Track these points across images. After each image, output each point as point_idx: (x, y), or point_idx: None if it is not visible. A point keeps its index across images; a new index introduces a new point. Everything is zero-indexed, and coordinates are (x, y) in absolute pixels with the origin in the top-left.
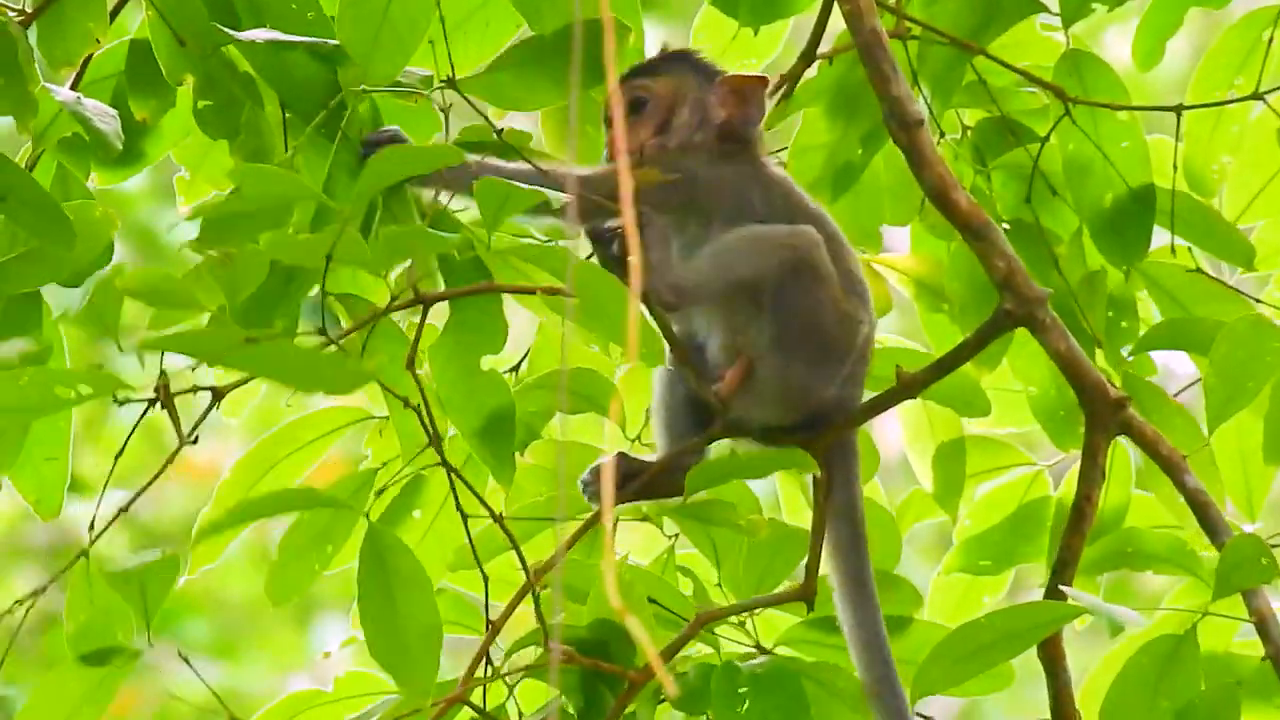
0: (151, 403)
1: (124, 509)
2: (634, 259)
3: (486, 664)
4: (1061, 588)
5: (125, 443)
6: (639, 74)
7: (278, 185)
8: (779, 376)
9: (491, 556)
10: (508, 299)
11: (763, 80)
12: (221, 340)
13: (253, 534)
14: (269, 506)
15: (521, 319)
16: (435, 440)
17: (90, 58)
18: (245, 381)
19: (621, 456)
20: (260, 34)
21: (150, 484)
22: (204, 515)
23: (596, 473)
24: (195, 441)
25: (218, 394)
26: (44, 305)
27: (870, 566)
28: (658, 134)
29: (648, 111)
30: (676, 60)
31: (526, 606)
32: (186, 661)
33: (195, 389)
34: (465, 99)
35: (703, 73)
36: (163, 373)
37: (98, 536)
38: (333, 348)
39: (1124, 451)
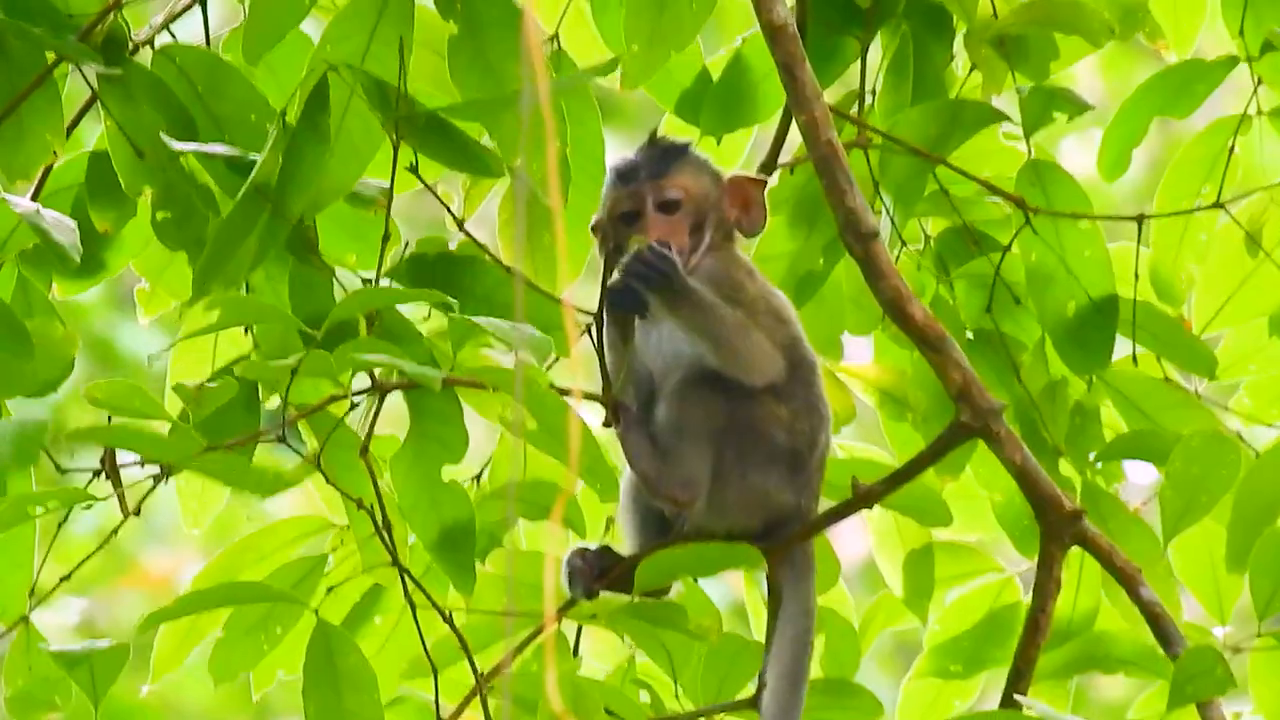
0: (96, 474)
1: (66, 577)
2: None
3: None
4: (1017, 697)
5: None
6: (666, 171)
7: (252, 313)
8: (737, 487)
9: (449, 663)
10: (468, 409)
11: (764, 182)
12: (170, 444)
13: (211, 644)
14: (215, 598)
15: (482, 429)
16: (386, 536)
17: (50, 169)
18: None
19: (603, 551)
20: (214, 148)
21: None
22: (163, 628)
23: (580, 556)
24: (138, 513)
25: (165, 470)
26: (6, 413)
27: (808, 671)
28: (692, 234)
29: (682, 213)
30: (687, 155)
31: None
32: None
33: (143, 464)
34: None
35: (711, 173)
36: (110, 450)
37: (38, 603)
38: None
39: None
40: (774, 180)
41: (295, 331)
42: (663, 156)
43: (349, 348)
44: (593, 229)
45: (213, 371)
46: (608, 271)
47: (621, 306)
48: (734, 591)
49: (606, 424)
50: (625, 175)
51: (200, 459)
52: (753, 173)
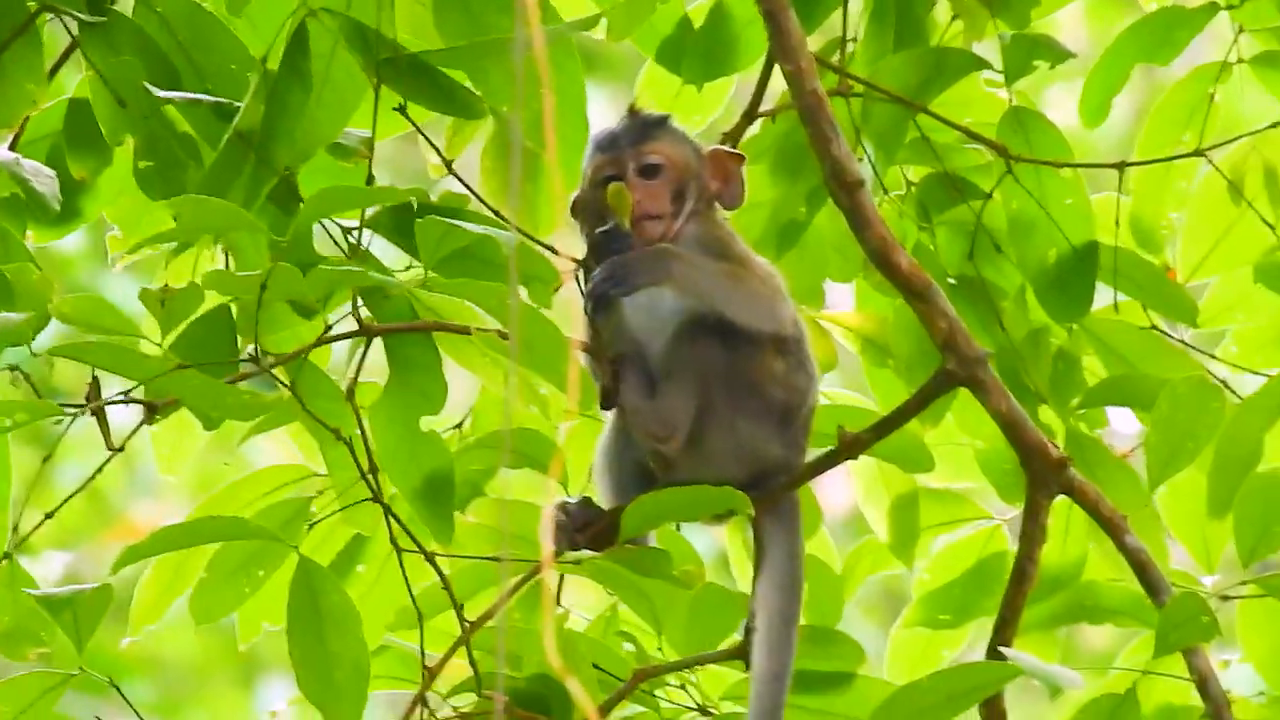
0: (80, 409)
1: (50, 514)
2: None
3: (424, 711)
4: (1001, 648)
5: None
6: (647, 138)
7: (217, 216)
8: (727, 435)
9: (435, 612)
10: (448, 360)
11: (742, 157)
12: (149, 362)
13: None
14: (195, 534)
15: (463, 380)
16: (370, 478)
17: (29, 117)
18: (176, 401)
19: (585, 502)
20: (198, 96)
21: (86, 485)
22: (143, 579)
23: (562, 509)
24: (122, 449)
25: (150, 409)
26: None
27: (796, 616)
28: (674, 200)
29: (662, 178)
30: (667, 129)
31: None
32: (136, 713)
33: (126, 397)
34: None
35: (691, 145)
36: (94, 377)
37: (21, 541)
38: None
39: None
40: (755, 129)
41: (280, 263)
42: (643, 126)
43: (320, 267)
44: (572, 208)
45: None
46: (590, 255)
47: (603, 308)
48: (717, 543)
49: (605, 405)
50: (605, 145)
51: (180, 381)
52: (731, 148)
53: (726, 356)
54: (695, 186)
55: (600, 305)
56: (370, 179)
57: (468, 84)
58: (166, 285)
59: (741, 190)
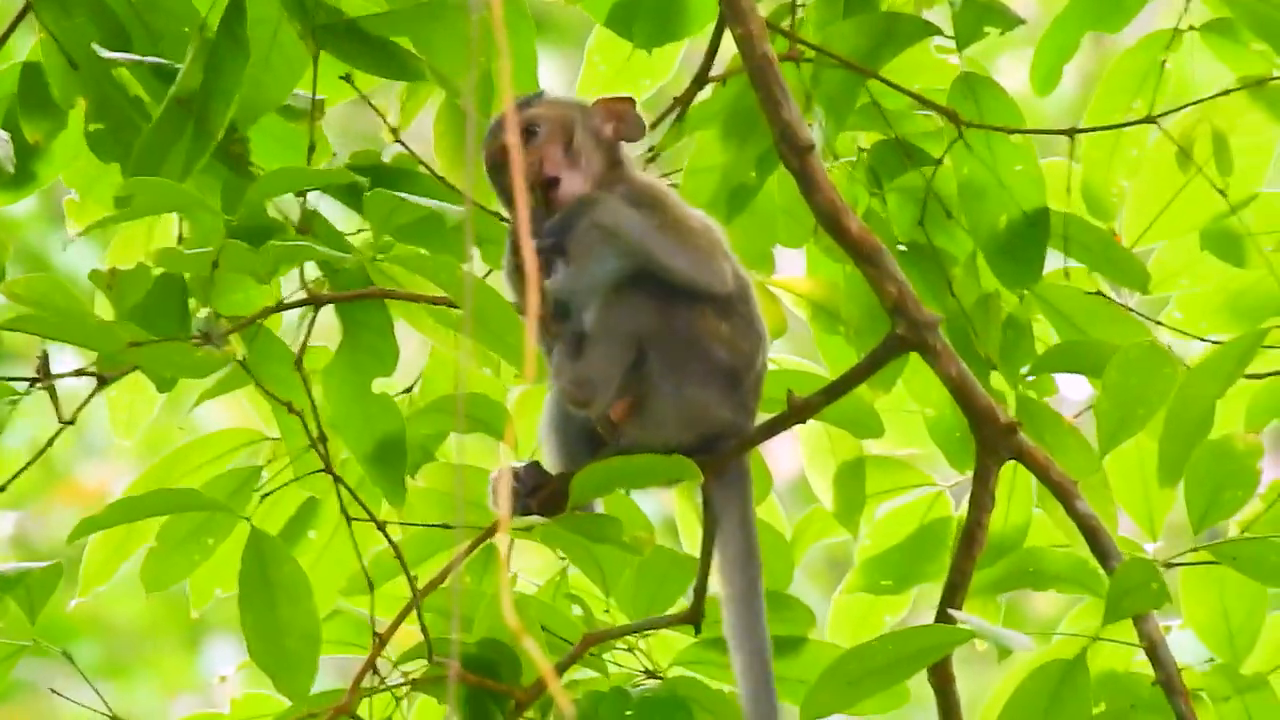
0: (31, 383)
1: (2, 488)
2: (532, 278)
3: (374, 677)
4: (951, 611)
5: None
6: (519, 108)
7: (169, 197)
8: (672, 399)
9: (386, 578)
10: (399, 323)
11: (631, 99)
12: (102, 334)
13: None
14: (147, 506)
15: (413, 343)
16: (320, 446)
17: None
18: (129, 371)
19: (533, 466)
20: (141, 58)
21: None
22: (92, 541)
23: (513, 474)
24: (73, 422)
25: (101, 380)
26: None
27: (761, 584)
28: (566, 154)
29: (545, 135)
30: (544, 97)
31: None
32: (88, 681)
33: (79, 372)
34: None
35: (574, 101)
36: (43, 351)
37: None
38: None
39: (1025, 472)
40: (706, 93)
41: (230, 236)
42: (517, 104)
43: (271, 243)
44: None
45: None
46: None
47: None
48: (663, 507)
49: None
50: (488, 135)
51: (134, 350)
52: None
53: (662, 317)
54: (586, 135)
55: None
56: (313, 147)
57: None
58: (114, 268)
59: (638, 123)
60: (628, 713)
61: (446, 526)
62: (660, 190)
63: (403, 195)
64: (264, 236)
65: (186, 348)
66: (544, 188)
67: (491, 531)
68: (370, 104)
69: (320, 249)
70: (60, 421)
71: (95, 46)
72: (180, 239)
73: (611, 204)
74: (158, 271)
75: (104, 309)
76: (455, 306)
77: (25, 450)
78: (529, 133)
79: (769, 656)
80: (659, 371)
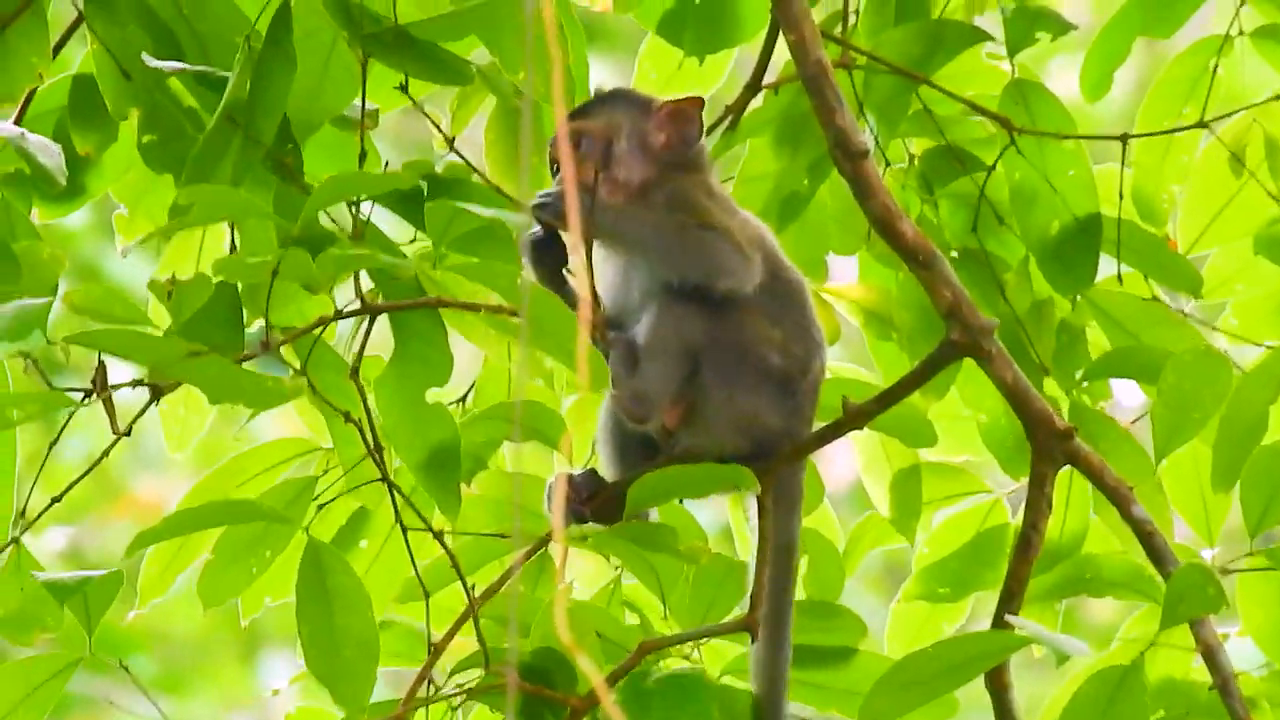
0: (87, 394)
1: (57, 499)
2: (584, 288)
3: (429, 687)
4: (1008, 617)
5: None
6: (574, 118)
7: (225, 205)
8: (724, 406)
9: (439, 586)
10: (452, 333)
11: (698, 100)
12: (159, 347)
13: (198, 569)
14: (205, 518)
15: (466, 353)
16: (376, 456)
17: (34, 91)
18: (181, 384)
19: (590, 474)
20: (189, 67)
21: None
22: (149, 552)
23: (568, 482)
24: (129, 433)
25: (156, 391)
26: None
27: (791, 599)
28: (604, 168)
29: (584, 149)
30: (610, 100)
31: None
32: (145, 694)
33: (135, 383)
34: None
35: (637, 105)
36: (100, 363)
37: (29, 525)
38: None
39: (1082, 479)
40: (758, 101)
41: (288, 245)
42: (582, 105)
43: (330, 251)
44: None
45: None
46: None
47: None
48: (719, 514)
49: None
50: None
51: (188, 365)
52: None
53: (710, 324)
54: (630, 145)
55: (539, 267)
56: (363, 155)
57: (464, 53)
58: (174, 276)
59: (696, 132)
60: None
61: (501, 536)
62: (704, 194)
63: (461, 204)
64: (318, 247)
65: (244, 373)
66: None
67: (546, 540)
68: (424, 112)
69: (380, 257)
70: (115, 433)
71: (145, 56)
72: (232, 250)
73: (621, 207)
74: (216, 279)
75: (158, 318)
76: (512, 314)
77: (81, 463)
78: (578, 144)
79: (785, 655)
80: (711, 379)
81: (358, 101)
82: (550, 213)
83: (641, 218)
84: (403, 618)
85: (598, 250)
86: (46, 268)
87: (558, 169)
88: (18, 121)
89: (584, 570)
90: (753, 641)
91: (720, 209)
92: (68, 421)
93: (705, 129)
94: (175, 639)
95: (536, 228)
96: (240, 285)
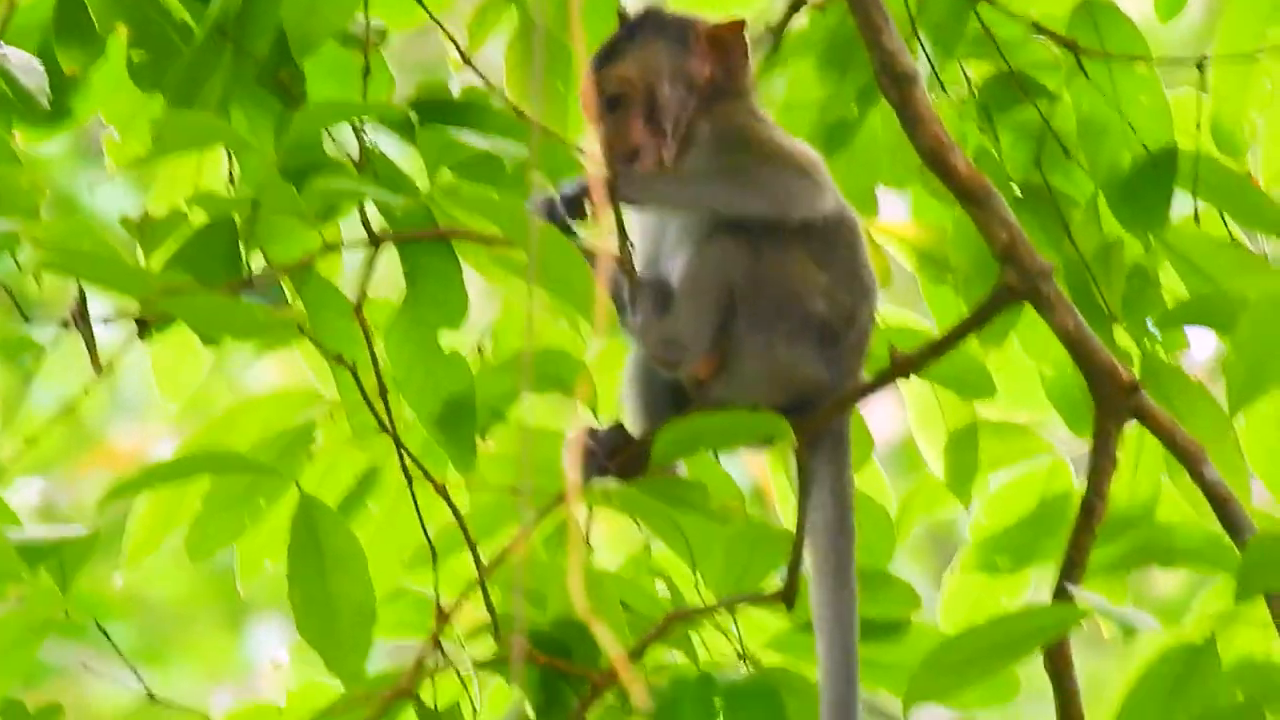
0: (64, 325)
1: (31, 444)
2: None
3: (438, 658)
4: (1069, 588)
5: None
6: (606, 62)
7: (203, 132)
8: (761, 356)
9: (452, 551)
10: (468, 272)
11: (740, 24)
12: (144, 279)
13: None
14: (187, 468)
15: (481, 297)
16: (379, 405)
17: (15, 6)
18: (170, 321)
19: (616, 428)
20: None
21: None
22: (136, 512)
23: (590, 435)
24: (109, 370)
25: (143, 326)
26: None
27: (853, 560)
28: (649, 123)
29: (626, 104)
30: (641, 32)
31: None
32: (124, 660)
33: (119, 317)
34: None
35: (674, 35)
36: (81, 292)
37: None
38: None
39: (1153, 440)
40: (802, 21)
41: (276, 175)
42: (609, 48)
43: (316, 183)
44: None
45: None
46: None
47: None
48: (752, 475)
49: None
50: (592, 62)
51: (181, 300)
52: (726, 20)
53: (753, 265)
54: (674, 90)
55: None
56: (367, 72)
57: None
58: (145, 215)
59: (742, 60)
60: (715, 703)
61: (514, 491)
62: (751, 125)
63: (458, 132)
64: (319, 175)
65: (235, 302)
66: (626, 160)
67: (561, 499)
68: (441, 26)
69: (372, 189)
70: (96, 370)
71: None
72: (231, 179)
73: (658, 175)
74: (198, 219)
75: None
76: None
77: (54, 409)
78: (613, 99)
79: (854, 643)
80: (747, 326)
81: (362, 17)
82: (576, 208)
83: (690, 181)
84: (416, 587)
85: None
86: (26, 197)
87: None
88: None
89: (612, 536)
90: (789, 610)
91: (767, 130)
92: (41, 360)
93: (750, 56)
94: (155, 605)
95: (568, 187)
96: (238, 220)
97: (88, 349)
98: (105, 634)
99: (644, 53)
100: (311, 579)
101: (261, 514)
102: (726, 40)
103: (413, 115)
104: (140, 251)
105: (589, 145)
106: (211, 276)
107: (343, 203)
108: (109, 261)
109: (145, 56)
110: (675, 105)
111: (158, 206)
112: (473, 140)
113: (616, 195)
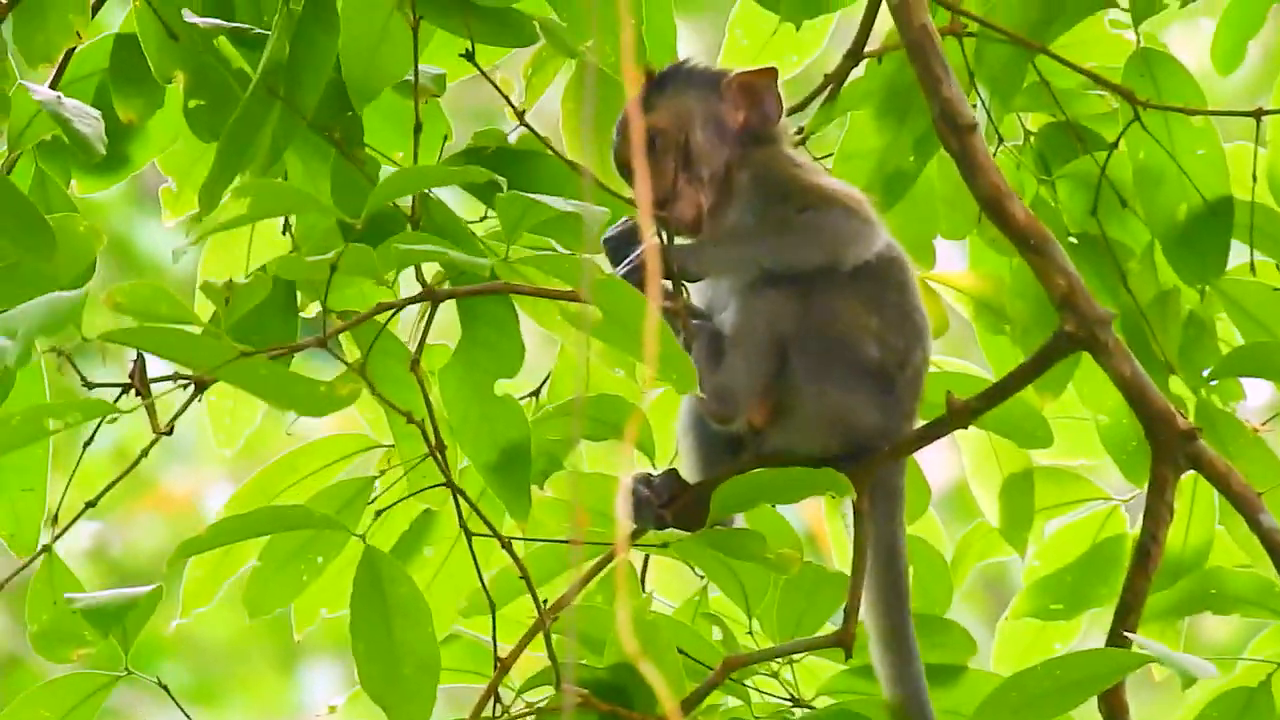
0: (125, 390)
1: (91, 503)
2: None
3: (495, 705)
4: (1126, 634)
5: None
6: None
7: (286, 200)
8: (815, 402)
9: (507, 599)
10: (524, 321)
11: (772, 71)
12: (205, 348)
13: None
14: (255, 525)
15: (537, 344)
16: (439, 455)
17: (71, 52)
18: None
19: (670, 474)
20: (245, 26)
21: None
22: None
23: (645, 482)
24: (170, 432)
25: (199, 385)
26: None
27: (909, 612)
28: (684, 170)
29: (660, 149)
30: (672, 82)
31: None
32: (181, 710)
33: (175, 378)
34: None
35: (705, 83)
36: (140, 359)
37: (61, 533)
38: (329, 364)
39: (1207, 485)
40: (860, 71)
41: (336, 230)
42: (643, 95)
43: (393, 241)
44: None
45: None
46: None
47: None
48: (804, 519)
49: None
50: (614, 137)
51: (236, 368)
52: (756, 67)
53: (803, 314)
54: (708, 137)
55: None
56: (418, 128)
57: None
58: (230, 281)
59: (776, 106)
60: None
61: (567, 541)
62: (792, 171)
63: (536, 197)
64: (380, 229)
65: (298, 377)
66: (659, 206)
67: (615, 549)
68: (491, 82)
69: (450, 252)
70: (155, 431)
71: (188, 14)
72: (285, 228)
73: (702, 245)
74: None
75: (203, 310)
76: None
77: (108, 456)
78: (650, 143)
79: (925, 697)
80: (801, 373)
81: (423, 67)
82: (622, 257)
83: (741, 242)
84: (469, 631)
85: None
86: (83, 242)
87: (626, 173)
88: (54, 85)
89: (669, 582)
90: (847, 658)
91: (808, 175)
92: (101, 422)
93: (784, 102)
94: (209, 646)
95: (613, 229)
96: None
97: (147, 411)
98: (165, 688)
99: (675, 102)
100: (375, 630)
101: (320, 569)
102: (758, 86)
103: (490, 176)
104: (220, 317)
105: (637, 203)
106: (267, 324)
107: (413, 261)
108: (171, 334)
109: (203, 104)
110: (710, 152)
111: (214, 257)
112: (554, 203)
113: (674, 270)
